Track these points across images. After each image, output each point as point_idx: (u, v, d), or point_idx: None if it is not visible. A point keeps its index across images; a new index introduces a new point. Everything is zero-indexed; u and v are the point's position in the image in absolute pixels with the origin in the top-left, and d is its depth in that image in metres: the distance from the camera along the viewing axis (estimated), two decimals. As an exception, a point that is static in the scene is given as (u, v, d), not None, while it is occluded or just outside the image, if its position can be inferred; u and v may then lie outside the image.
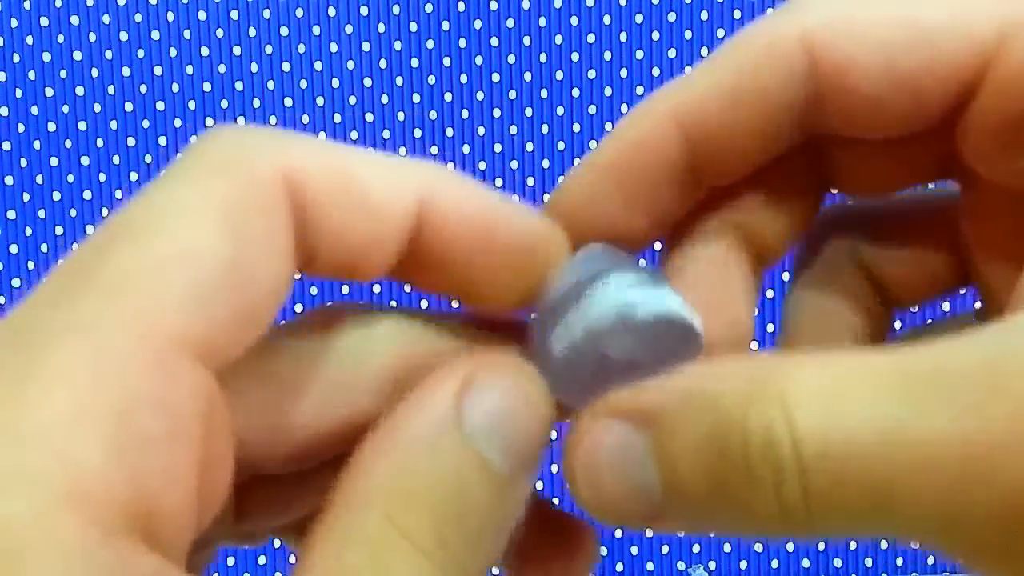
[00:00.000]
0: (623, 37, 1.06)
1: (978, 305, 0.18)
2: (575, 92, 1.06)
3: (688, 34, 1.06)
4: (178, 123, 1.06)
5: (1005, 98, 0.14)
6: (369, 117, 1.06)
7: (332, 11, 1.05)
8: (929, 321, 0.20)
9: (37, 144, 1.06)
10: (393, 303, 0.17)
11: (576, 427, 0.16)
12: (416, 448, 0.14)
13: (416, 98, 1.06)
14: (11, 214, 1.06)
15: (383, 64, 1.06)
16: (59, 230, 1.06)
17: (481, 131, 1.07)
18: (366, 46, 1.06)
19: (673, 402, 0.14)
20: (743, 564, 1.10)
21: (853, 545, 1.10)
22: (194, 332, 0.13)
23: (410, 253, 0.15)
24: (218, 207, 0.14)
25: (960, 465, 0.12)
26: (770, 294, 1.05)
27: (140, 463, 0.12)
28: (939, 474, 0.12)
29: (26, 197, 1.06)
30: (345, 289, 1.08)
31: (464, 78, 1.06)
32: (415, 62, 1.06)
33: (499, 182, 1.07)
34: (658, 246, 0.19)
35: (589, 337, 0.15)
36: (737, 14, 1.04)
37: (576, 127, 1.07)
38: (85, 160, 1.06)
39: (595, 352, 0.15)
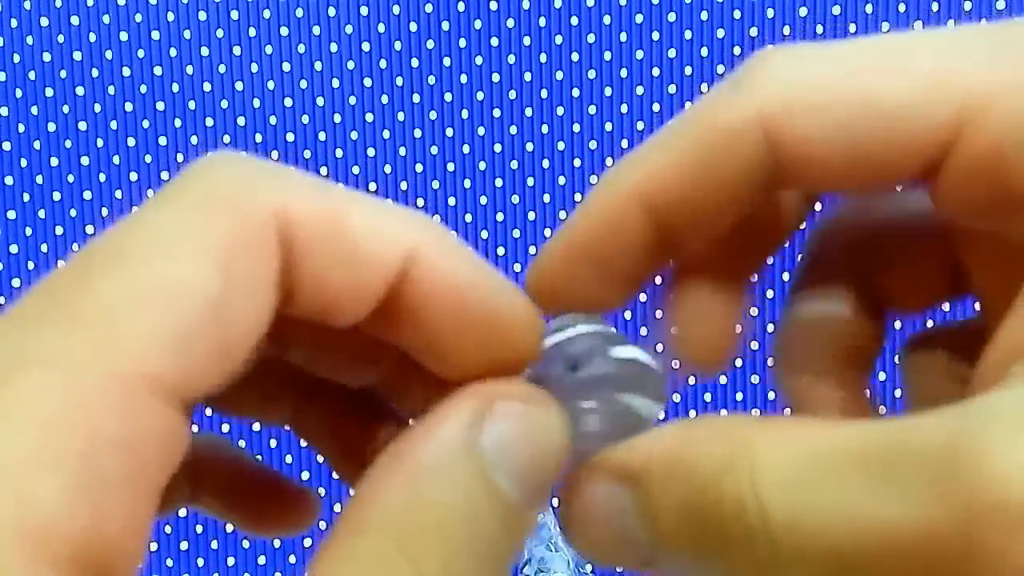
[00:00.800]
0: (623, 37, 1.06)
1: (978, 306, 0.19)
2: (575, 92, 1.06)
3: (688, 34, 1.06)
4: (178, 123, 1.06)
5: (969, 178, 0.15)
6: (369, 117, 1.07)
7: (332, 11, 1.05)
8: (930, 324, 0.20)
9: (37, 144, 1.06)
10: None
11: (571, 480, 0.16)
12: (428, 475, 0.14)
13: (416, 98, 1.07)
14: (11, 214, 1.06)
15: (383, 64, 1.06)
16: (59, 230, 1.06)
17: (481, 131, 1.07)
18: (366, 46, 1.06)
19: (657, 464, 0.15)
20: (743, 564, 1.11)
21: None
22: (170, 372, 0.13)
23: (386, 307, 0.15)
24: (209, 242, 0.14)
25: (923, 552, 0.12)
26: (770, 294, 1.05)
27: (100, 505, 0.12)
28: (904, 560, 0.12)
29: (26, 197, 1.06)
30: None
31: (464, 78, 1.06)
32: (415, 62, 1.06)
33: (499, 182, 1.07)
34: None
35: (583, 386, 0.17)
36: (737, 14, 1.04)
37: (576, 127, 1.07)
38: (85, 160, 1.06)
39: (588, 399, 0.17)
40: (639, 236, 0.17)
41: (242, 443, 1.09)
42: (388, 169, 1.07)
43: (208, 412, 0.17)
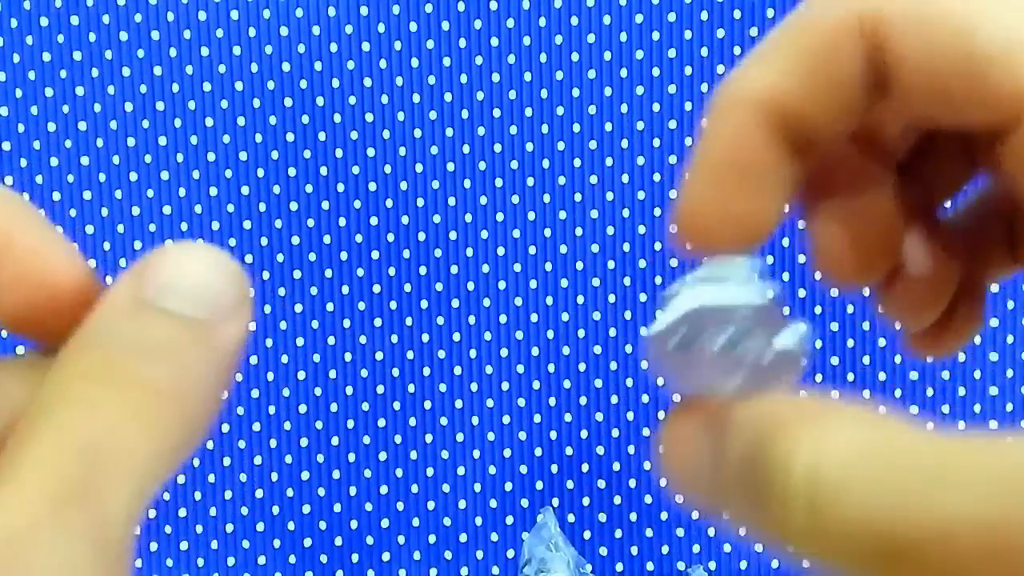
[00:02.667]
0: (623, 37, 1.06)
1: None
2: (575, 92, 1.06)
3: (688, 34, 1.06)
4: (178, 123, 1.06)
5: None
6: (369, 117, 1.06)
7: (332, 11, 1.05)
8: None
9: (37, 144, 1.06)
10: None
11: (672, 412, 0.18)
12: (112, 326, 0.15)
13: (416, 98, 1.06)
14: (11, 214, 1.06)
15: (383, 64, 1.06)
16: (59, 230, 1.06)
17: (481, 131, 1.07)
18: (366, 46, 1.06)
19: (739, 416, 0.16)
20: (743, 564, 1.10)
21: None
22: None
23: None
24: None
25: (977, 550, 0.12)
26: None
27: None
28: (953, 552, 0.12)
29: (26, 198, 1.06)
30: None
31: (464, 78, 1.06)
32: (415, 62, 1.06)
33: (499, 182, 1.07)
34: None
35: (692, 325, 0.17)
36: (737, 14, 1.04)
37: (576, 127, 1.07)
38: (85, 160, 1.06)
39: (695, 340, 0.17)
40: (769, 140, 0.17)
41: (241, 444, 1.09)
42: (388, 169, 1.07)
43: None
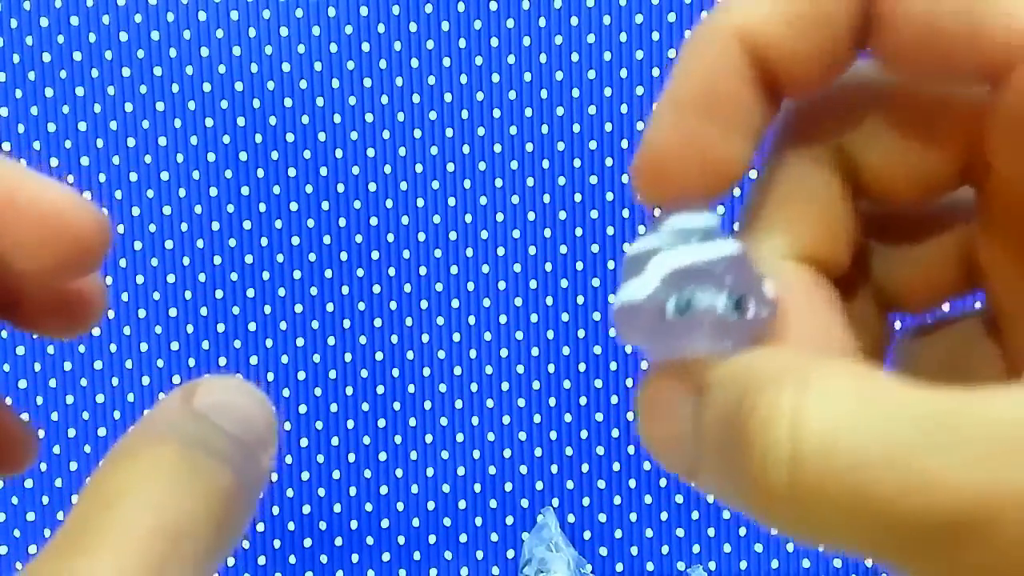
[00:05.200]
0: (623, 37, 1.06)
1: (978, 305, 0.18)
2: (575, 92, 1.06)
3: (688, 34, 1.06)
4: (178, 123, 1.06)
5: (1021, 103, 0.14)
6: (369, 117, 1.06)
7: (332, 11, 1.05)
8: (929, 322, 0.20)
9: (37, 144, 1.06)
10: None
11: (646, 378, 0.17)
12: (179, 426, 0.16)
13: (416, 99, 1.06)
14: (11, 214, 1.06)
15: (383, 64, 1.06)
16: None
17: (481, 131, 1.07)
18: (366, 46, 1.06)
19: (716, 376, 0.15)
20: (743, 564, 1.10)
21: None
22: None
23: None
24: None
25: (962, 516, 0.11)
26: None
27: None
28: (948, 524, 0.12)
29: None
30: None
31: (464, 78, 1.06)
32: (415, 62, 1.06)
33: (499, 182, 1.07)
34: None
35: (663, 285, 0.16)
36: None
37: (576, 127, 1.07)
38: (85, 160, 1.06)
39: (666, 301, 0.16)
40: (745, 76, 0.16)
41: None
42: (388, 169, 1.07)
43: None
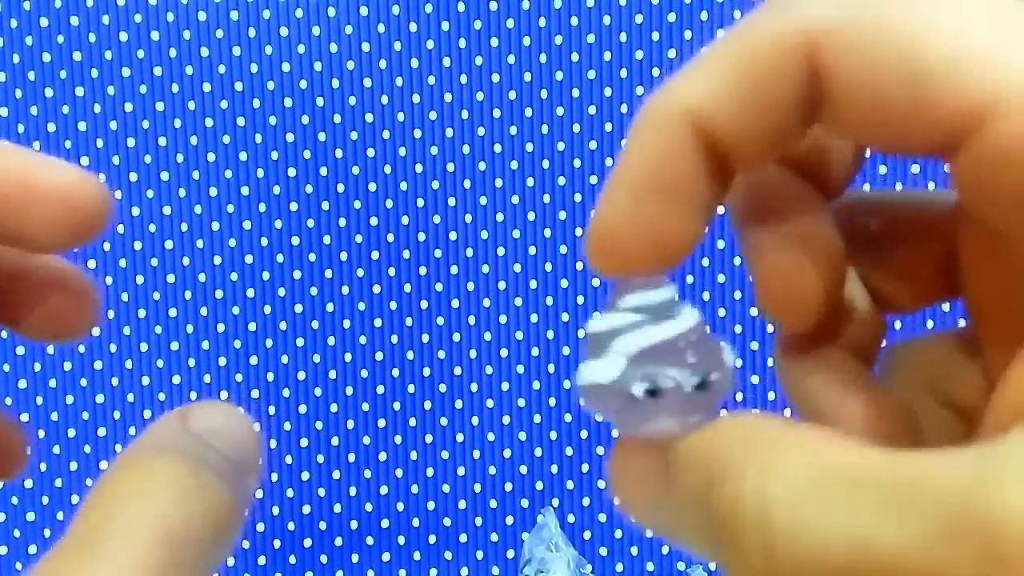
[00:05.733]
0: (623, 37, 1.06)
1: (962, 323, 0.19)
2: (575, 92, 1.06)
3: (688, 34, 1.06)
4: (178, 123, 1.06)
5: (985, 169, 0.14)
6: (369, 117, 1.06)
7: (332, 11, 1.05)
8: (906, 339, 0.20)
9: (37, 145, 1.06)
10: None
11: (616, 447, 0.17)
12: (179, 442, 0.17)
13: (416, 99, 1.06)
14: (11, 214, 1.06)
15: (383, 65, 1.06)
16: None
17: (481, 132, 1.07)
18: (366, 47, 1.06)
19: (684, 451, 0.16)
20: (743, 564, 1.10)
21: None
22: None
23: None
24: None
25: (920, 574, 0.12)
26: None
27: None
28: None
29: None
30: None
31: (464, 79, 1.06)
32: (415, 63, 1.06)
33: (499, 182, 1.07)
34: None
35: (628, 366, 0.16)
36: (737, 15, 1.04)
37: (576, 127, 1.07)
38: (85, 161, 1.06)
39: (632, 383, 0.16)
40: (695, 157, 0.16)
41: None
42: (388, 169, 1.07)
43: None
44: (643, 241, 0.17)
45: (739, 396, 1.08)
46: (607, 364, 0.16)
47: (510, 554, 1.11)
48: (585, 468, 1.10)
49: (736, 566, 0.14)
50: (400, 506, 1.11)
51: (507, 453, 1.10)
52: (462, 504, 1.11)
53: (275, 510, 1.10)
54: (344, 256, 1.08)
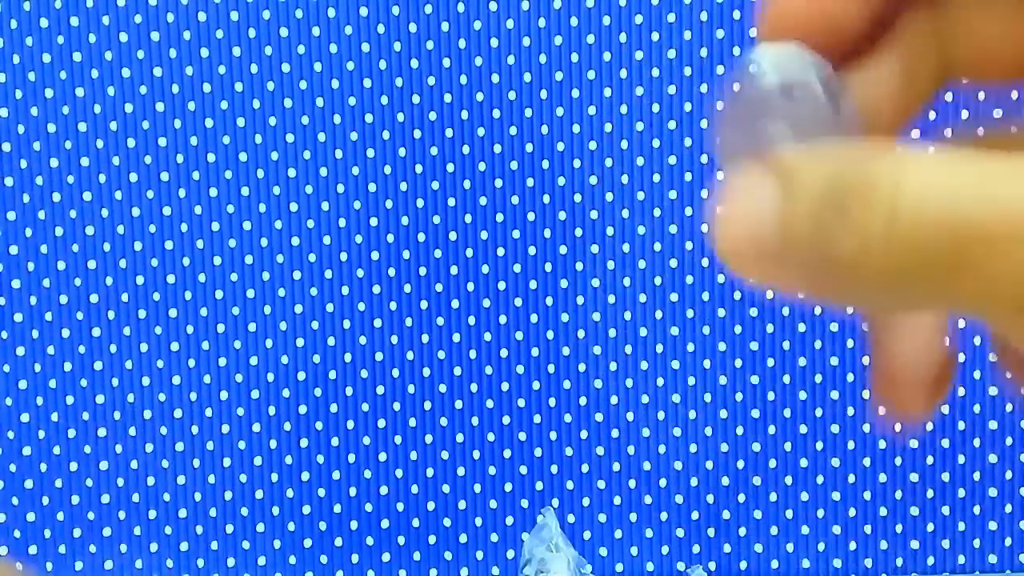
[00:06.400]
0: (623, 38, 1.06)
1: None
2: (575, 93, 1.06)
3: (688, 35, 1.06)
4: (178, 124, 1.06)
5: None
6: (369, 118, 1.07)
7: (332, 12, 1.05)
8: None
9: (37, 145, 1.06)
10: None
11: (732, 172, 0.18)
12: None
13: (416, 99, 1.07)
14: (11, 215, 1.06)
15: (383, 65, 1.06)
16: (59, 231, 1.06)
17: (481, 132, 1.07)
18: (365, 47, 1.06)
19: (807, 157, 0.16)
20: (743, 564, 1.10)
21: (853, 545, 1.10)
22: None
23: None
24: None
25: None
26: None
27: None
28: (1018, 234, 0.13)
29: (26, 198, 1.06)
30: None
31: (463, 79, 1.06)
32: (414, 63, 1.06)
33: (499, 183, 1.07)
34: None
35: (755, 99, 0.18)
36: (737, 15, 1.04)
37: (576, 128, 1.07)
38: (85, 161, 1.06)
39: (774, 85, 0.18)
40: None
41: (241, 444, 1.09)
42: (388, 170, 1.07)
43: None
44: (814, 14, 0.18)
45: (738, 396, 1.08)
46: (750, 73, 0.18)
47: (510, 554, 1.11)
48: (585, 468, 1.10)
49: (852, 240, 0.14)
50: (400, 506, 1.11)
51: (507, 453, 1.10)
52: (462, 504, 1.11)
53: (275, 510, 1.10)
54: (344, 257, 1.08)
